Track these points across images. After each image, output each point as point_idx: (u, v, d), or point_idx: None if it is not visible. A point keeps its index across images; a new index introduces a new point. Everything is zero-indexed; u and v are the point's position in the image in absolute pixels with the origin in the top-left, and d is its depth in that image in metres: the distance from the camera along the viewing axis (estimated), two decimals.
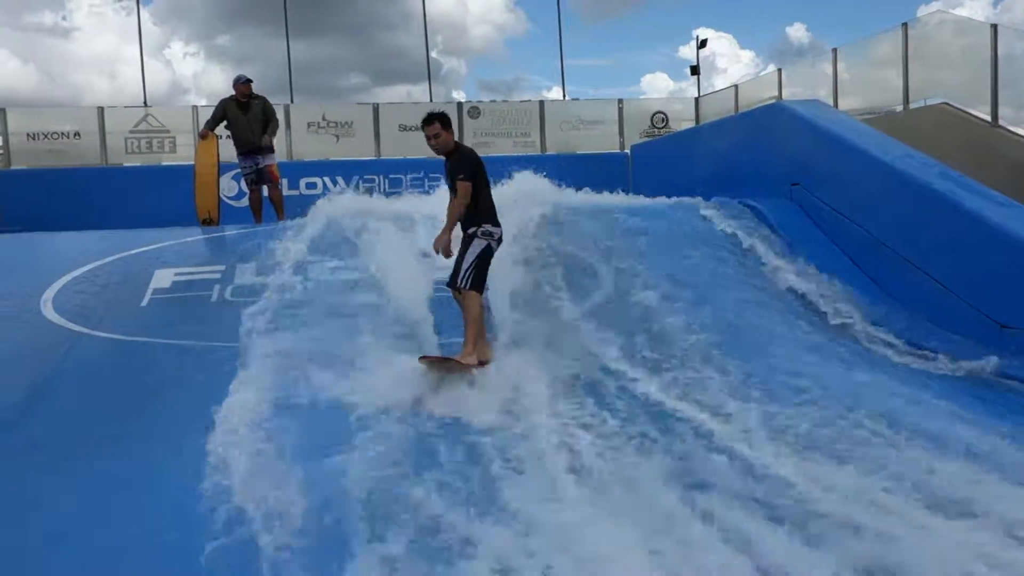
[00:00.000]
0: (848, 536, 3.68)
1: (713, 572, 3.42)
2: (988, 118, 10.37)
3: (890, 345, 7.04)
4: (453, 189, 6.02)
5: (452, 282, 6.13)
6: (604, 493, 4.15)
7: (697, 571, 3.43)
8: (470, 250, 6.00)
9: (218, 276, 7.72)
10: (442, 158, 6.13)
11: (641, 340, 6.63)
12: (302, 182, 17.73)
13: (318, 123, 19.22)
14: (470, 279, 5.95)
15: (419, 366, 5.64)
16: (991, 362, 6.34)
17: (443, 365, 5.69)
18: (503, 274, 6.88)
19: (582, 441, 4.83)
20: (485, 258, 6.02)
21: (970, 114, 10.79)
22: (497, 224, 6.12)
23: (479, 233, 6.02)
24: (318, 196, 16.31)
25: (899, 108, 12.40)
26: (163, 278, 7.72)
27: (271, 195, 10.64)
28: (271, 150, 10.49)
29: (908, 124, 11.40)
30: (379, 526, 3.80)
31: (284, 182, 12.98)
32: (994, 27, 10.43)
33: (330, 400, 5.36)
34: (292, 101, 21.23)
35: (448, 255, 6.03)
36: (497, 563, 3.49)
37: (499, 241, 6.15)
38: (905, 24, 12.37)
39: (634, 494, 4.13)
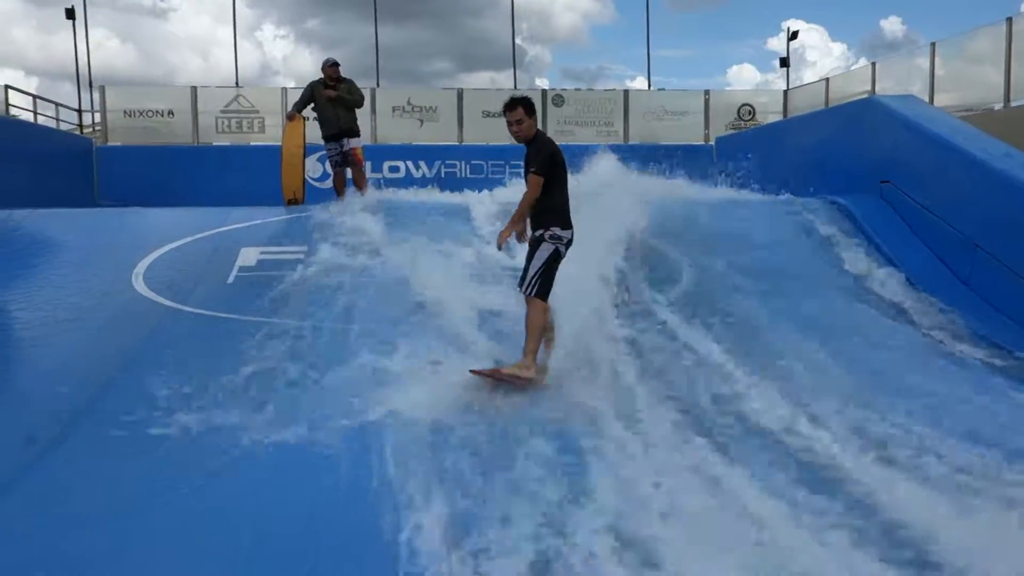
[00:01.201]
0: None
1: None
2: None
3: (978, 350, 6.79)
4: (525, 177, 5.62)
5: (521, 284, 5.72)
6: None
7: None
8: (538, 255, 5.58)
9: (301, 256, 7.89)
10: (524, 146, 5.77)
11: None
12: (385, 165, 18.01)
13: (403, 107, 19.45)
14: (536, 286, 5.55)
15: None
16: None
17: (497, 378, 5.40)
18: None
19: None
20: (552, 264, 5.59)
21: None
22: (568, 226, 5.66)
23: (547, 236, 5.58)
24: (402, 179, 16.78)
25: (998, 106, 11.92)
26: (249, 256, 7.94)
27: (354, 177, 10.81)
28: (356, 133, 10.64)
29: (1008, 122, 10.95)
30: None
31: (368, 165, 13.19)
32: None
33: None
34: (378, 85, 21.54)
35: (504, 247, 5.63)
36: None
37: (568, 244, 5.68)
38: (1010, 19, 11.88)
39: None
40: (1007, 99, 11.75)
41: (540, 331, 5.55)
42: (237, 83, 21.31)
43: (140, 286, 7.23)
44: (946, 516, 3.84)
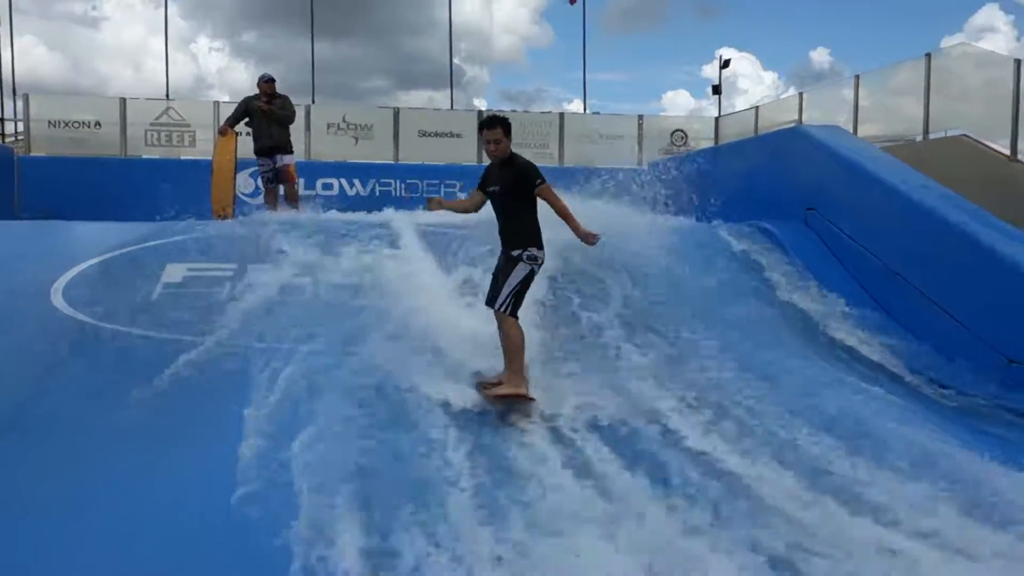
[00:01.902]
0: None
1: None
2: (1007, 152, 10.31)
3: (896, 375, 7.01)
4: (506, 195, 5.82)
5: (490, 302, 5.92)
6: None
7: None
8: (514, 274, 5.75)
9: (230, 273, 7.74)
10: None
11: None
12: (319, 182, 17.82)
13: (338, 125, 19.32)
14: (510, 305, 5.73)
15: None
16: (993, 396, 6.30)
17: (500, 399, 5.56)
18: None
19: None
20: (526, 283, 5.80)
21: (989, 147, 10.74)
22: (542, 247, 5.88)
23: (524, 257, 5.77)
24: (334, 197, 16.61)
25: (919, 138, 12.36)
26: (175, 272, 7.76)
27: (287, 194, 10.70)
28: (289, 149, 10.55)
29: (927, 154, 11.35)
30: None
31: (301, 182, 13.06)
32: (1017, 62, 10.38)
33: None
34: (314, 101, 21.37)
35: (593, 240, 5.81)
36: None
37: (541, 265, 5.91)
38: (929, 55, 12.34)
39: None
40: (926, 131, 12.19)
41: (520, 347, 5.72)
42: (168, 95, 20.92)
43: (59, 302, 7.01)
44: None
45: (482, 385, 5.81)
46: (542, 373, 6.10)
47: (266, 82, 10.43)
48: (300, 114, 12.57)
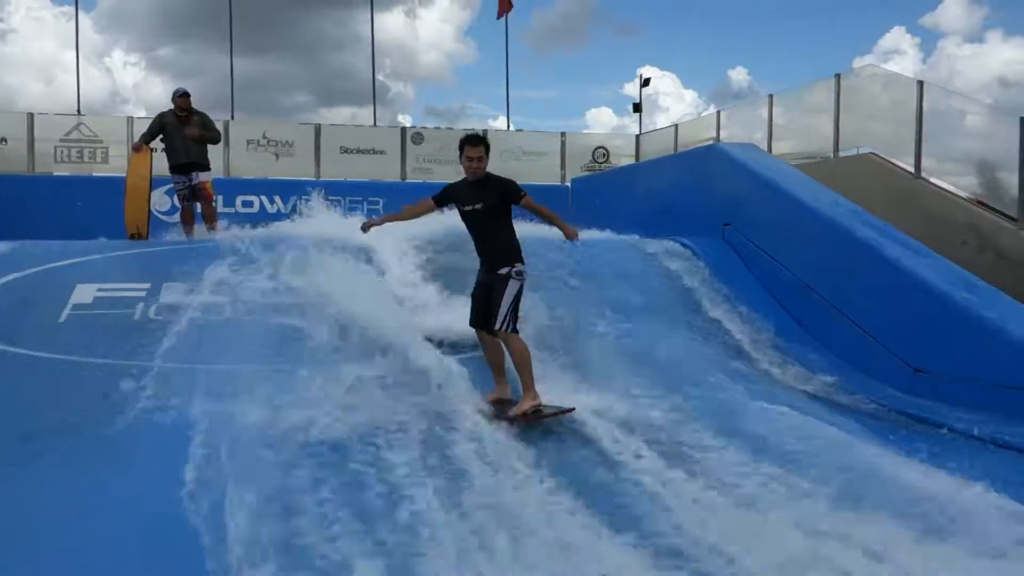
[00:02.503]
0: None
1: None
2: (912, 169, 10.72)
3: (806, 383, 7.21)
4: (490, 213, 5.93)
5: (479, 323, 6.06)
6: None
7: None
8: (507, 292, 5.85)
9: (143, 294, 7.53)
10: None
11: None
12: (238, 200, 17.46)
13: (258, 141, 19.01)
14: (510, 322, 5.85)
15: None
16: (898, 403, 6.52)
17: (535, 418, 5.64)
18: None
19: None
20: (519, 298, 5.93)
21: (895, 164, 11.15)
22: (523, 261, 6.01)
23: (513, 274, 5.89)
24: (255, 215, 16.32)
25: (830, 155, 12.76)
26: (84, 293, 7.51)
27: (204, 212, 10.48)
28: (206, 166, 10.34)
29: (837, 171, 11.73)
30: None
31: (219, 199, 12.82)
32: (920, 83, 10.82)
33: None
34: (233, 117, 20.97)
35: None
36: None
37: (526, 278, 6.04)
38: (838, 75, 12.76)
39: None
40: (836, 149, 12.59)
41: (529, 360, 5.84)
42: (79, 110, 20.29)
43: None
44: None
45: (497, 408, 5.82)
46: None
47: (180, 96, 10.21)
48: (219, 131, 12.32)
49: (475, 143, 5.95)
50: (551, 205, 12.51)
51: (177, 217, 11.17)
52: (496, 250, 5.97)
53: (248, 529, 3.86)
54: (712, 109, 25.85)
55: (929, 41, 68.89)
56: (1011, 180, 9.29)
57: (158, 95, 46.71)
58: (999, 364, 6.33)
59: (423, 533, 3.94)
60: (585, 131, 31.60)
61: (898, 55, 60.96)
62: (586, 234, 11.22)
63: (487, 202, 5.93)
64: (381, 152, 19.69)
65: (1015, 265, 8.88)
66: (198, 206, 10.46)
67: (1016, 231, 9.05)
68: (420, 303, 7.67)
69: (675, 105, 56.54)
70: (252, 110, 47.19)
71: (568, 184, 18.96)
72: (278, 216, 16.86)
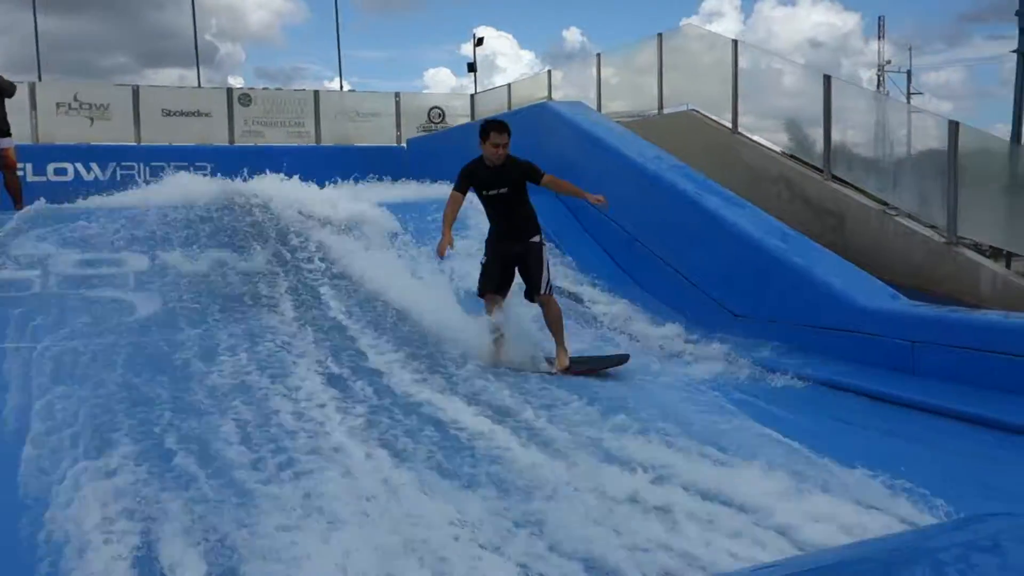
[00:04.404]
0: None
1: None
2: (730, 125, 11.24)
3: (635, 332, 7.49)
4: (515, 193, 6.19)
5: (497, 289, 6.29)
6: None
7: None
8: (544, 258, 6.25)
9: None
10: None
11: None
12: (50, 168, 16.32)
13: (69, 104, 17.78)
14: (549, 285, 6.24)
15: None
16: (725, 349, 6.88)
17: (581, 370, 6.03)
18: None
19: None
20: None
21: (715, 121, 11.66)
22: None
23: (543, 240, 6.32)
24: (69, 183, 15.30)
25: (654, 113, 13.18)
26: None
27: (7, 183, 9.71)
28: (5, 132, 9.57)
29: (662, 128, 12.14)
30: None
31: (27, 167, 11.94)
32: (735, 42, 11.33)
33: None
34: (40, 79, 19.53)
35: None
36: None
37: None
38: (660, 35, 13.16)
39: None
40: (660, 107, 13.03)
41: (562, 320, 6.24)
42: None
43: None
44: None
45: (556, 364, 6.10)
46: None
47: None
48: (22, 93, 11.43)
49: (501, 130, 6.06)
50: (387, 165, 12.52)
51: None
52: (523, 225, 6.27)
53: None
54: (547, 69, 26.29)
55: (748, 3, 72.27)
56: (818, 135, 9.88)
57: None
58: (808, 307, 6.77)
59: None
60: (424, 91, 31.34)
61: (720, 16, 63.75)
62: (424, 192, 11.32)
63: (511, 184, 6.17)
64: (207, 115, 18.89)
65: (822, 213, 9.52)
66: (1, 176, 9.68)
67: (822, 182, 9.67)
68: None
69: (512, 66, 57.16)
70: (65, 71, 44.01)
71: (404, 145, 18.82)
72: (97, 184, 15.95)
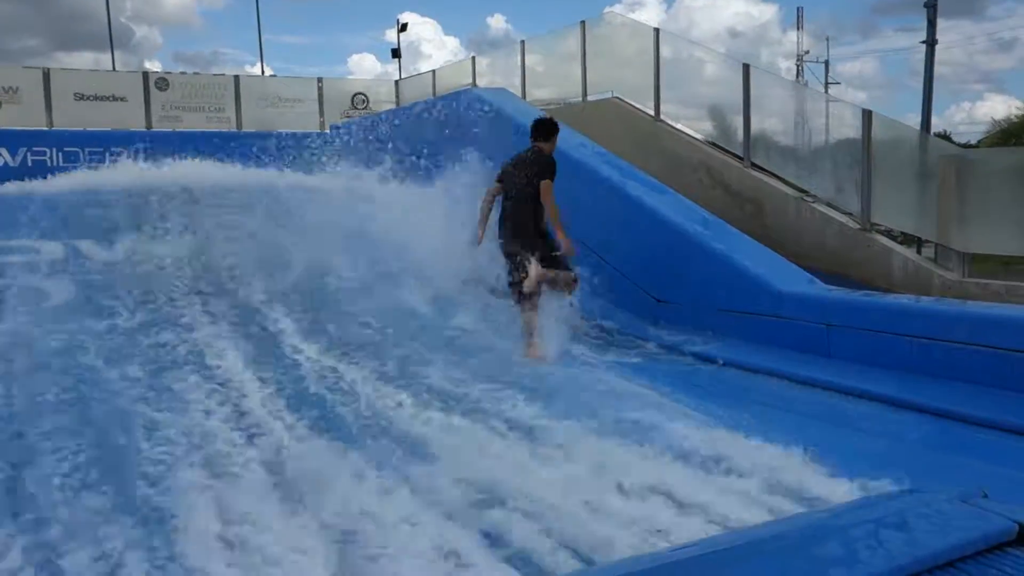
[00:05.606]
0: None
1: None
2: (652, 113, 11.35)
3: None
4: (528, 188, 6.88)
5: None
6: None
7: None
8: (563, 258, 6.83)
9: None
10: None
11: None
12: None
13: None
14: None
15: None
16: (647, 334, 6.97)
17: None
18: None
19: None
20: None
21: (638, 108, 11.76)
22: None
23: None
24: None
25: (579, 100, 13.24)
26: None
27: None
28: None
29: (586, 115, 12.20)
30: None
31: None
32: (657, 31, 11.43)
33: None
34: None
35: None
36: None
37: None
38: (583, 22, 13.21)
39: None
40: (584, 94, 13.08)
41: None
42: None
43: None
44: None
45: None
46: None
47: None
48: None
49: (556, 132, 7.05)
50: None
51: None
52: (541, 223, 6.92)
53: None
54: (472, 56, 26.11)
55: None
56: (738, 123, 10.05)
57: None
58: (728, 291, 6.89)
59: None
60: (348, 77, 30.94)
61: (641, 6, 64.41)
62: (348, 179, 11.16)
63: (516, 180, 6.98)
64: (122, 99, 18.32)
65: (742, 200, 9.69)
66: None
67: (743, 169, 9.84)
68: None
69: (437, 52, 56.79)
70: None
71: (327, 131, 18.54)
72: (7, 170, 15.42)
